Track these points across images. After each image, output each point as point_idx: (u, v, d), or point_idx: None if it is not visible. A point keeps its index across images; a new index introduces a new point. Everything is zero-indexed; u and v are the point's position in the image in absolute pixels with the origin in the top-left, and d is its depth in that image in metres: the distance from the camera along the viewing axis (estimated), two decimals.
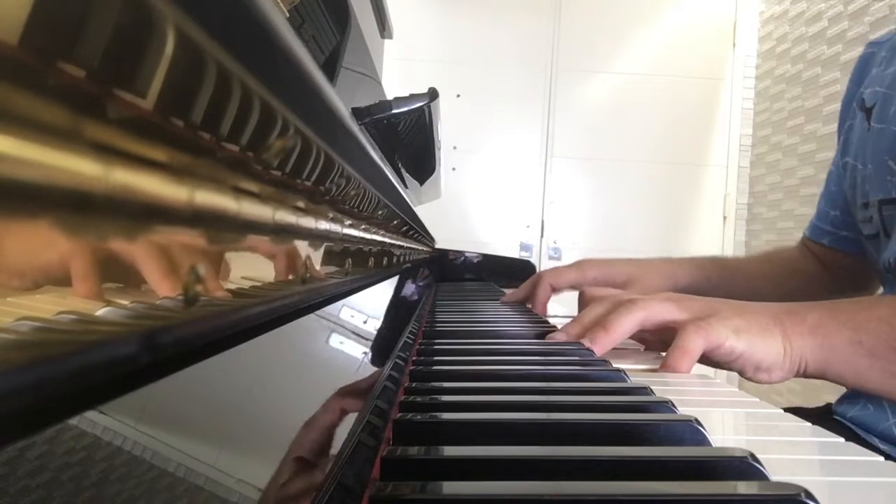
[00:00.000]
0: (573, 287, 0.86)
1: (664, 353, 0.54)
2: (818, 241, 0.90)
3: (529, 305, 0.91)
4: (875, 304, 0.53)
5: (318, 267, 0.31)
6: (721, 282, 0.88)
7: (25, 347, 0.10)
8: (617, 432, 0.29)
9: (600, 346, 0.54)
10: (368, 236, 0.48)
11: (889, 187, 0.69)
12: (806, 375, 0.52)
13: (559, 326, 0.63)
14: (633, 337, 0.60)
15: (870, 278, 0.88)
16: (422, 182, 1.17)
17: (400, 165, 0.86)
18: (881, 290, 0.78)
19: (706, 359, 0.53)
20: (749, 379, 0.53)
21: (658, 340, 0.61)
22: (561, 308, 0.92)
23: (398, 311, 0.65)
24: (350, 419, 0.29)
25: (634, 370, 0.53)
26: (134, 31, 0.11)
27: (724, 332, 0.51)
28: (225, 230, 0.19)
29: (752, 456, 0.25)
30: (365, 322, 0.45)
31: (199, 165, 0.16)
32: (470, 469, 0.24)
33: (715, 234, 2.92)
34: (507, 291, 1.28)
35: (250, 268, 0.22)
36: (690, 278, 0.86)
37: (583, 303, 0.73)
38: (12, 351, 0.10)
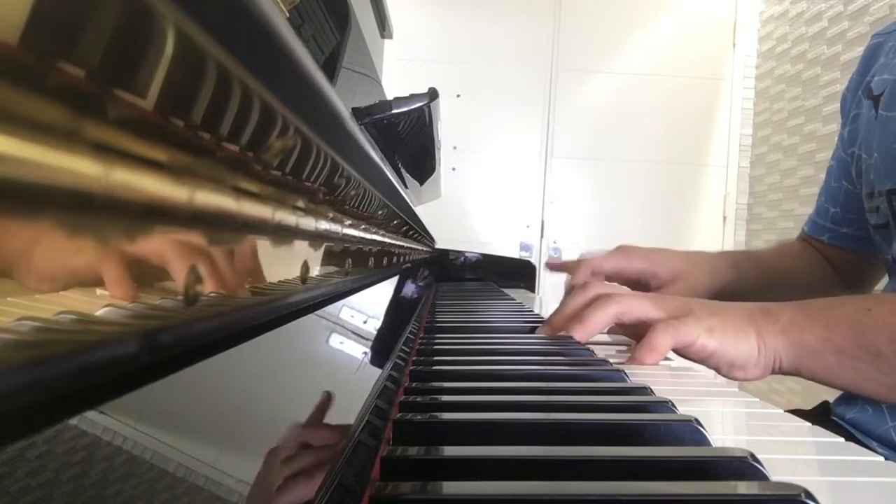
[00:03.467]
0: (617, 272, 0.84)
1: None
2: (817, 238, 0.90)
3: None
4: (844, 302, 0.54)
5: (318, 267, 0.31)
6: (756, 280, 0.87)
7: (25, 347, 0.10)
8: (617, 432, 0.29)
9: (576, 338, 0.58)
10: (368, 236, 0.48)
11: None
12: (781, 373, 0.54)
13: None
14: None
15: (871, 273, 0.88)
16: (422, 182, 1.17)
17: (400, 165, 0.86)
18: (886, 280, 0.77)
19: (682, 356, 0.55)
20: (725, 376, 0.55)
21: (632, 335, 0.64)
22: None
23: (398, 311, 0.65)
24: (350, 418, 0.29)
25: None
26: (134, 31, 0.11)
27: (696, 331, 0.53)
28: (225, 230, 0.19)
29: (753, 456, 0.25)
30: (365, 322, 0.45)
31: (199, 165, 0.16)
32: (470, 469, 0.24)
33: (715, 234, 2.92)
34: (507, 291, 1.28)
35: (250, 267, 0.22)
36: (730, 275, 0.86)
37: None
38: (12, 351, 0.10)
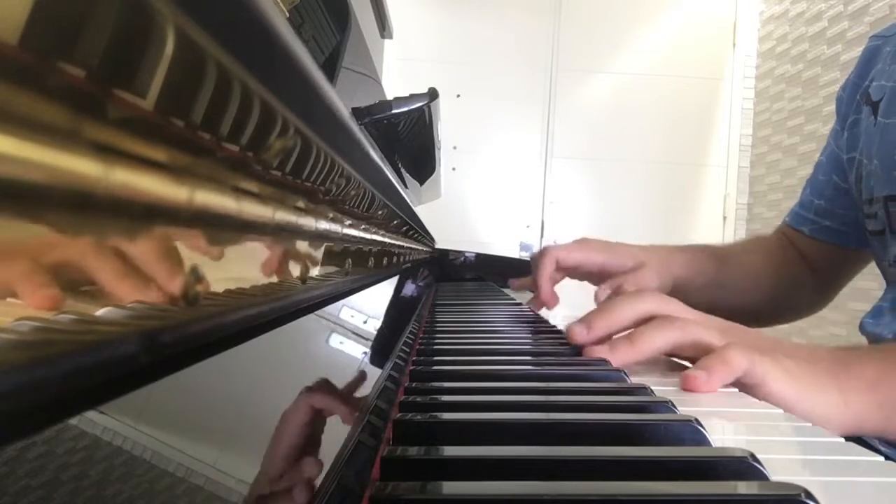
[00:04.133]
0: (579, 265, 0.84)
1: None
2: (798, 229, 0.90)
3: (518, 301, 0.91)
4: None
5: (318, 267, 0.31)
6: (716, 274, 0.88)
7: (25, 347, 0.10)
8: (617, 432, 0.29)
9: (620, 359, 0.48)
10: (368, 236, 0.48)
11: None
12: (864, 433, 0.47)
13: (557, 325, 0.63)
14: None
15: (845, 268, 0.90)
16: (422, 182, 1.17)
17: (400, 165, 0.86)
18: (880, 287, 0.77)
19: (748, 393, 0.46)
20: None
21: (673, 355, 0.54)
22: (566, 310, 0.91)
23: (398, 310, 0.65)
24: (350, 418, 0.29)
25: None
26: (134, 31, 0.11)
27: (775, 373, 0.44)
28: (225, 230, 0.19)
29: (753, 456, 0.25)
30: (365, 322, 0.45)
31: (199, 165, 0.16)
32: (470, 469, 0.24)
33: (715, 235, 2.92)
34: (507, 291, 1.28)
35: (250, 267, 0.22)
36: (687, 270, 0.86)
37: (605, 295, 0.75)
38: (12, 351, 0.10)
